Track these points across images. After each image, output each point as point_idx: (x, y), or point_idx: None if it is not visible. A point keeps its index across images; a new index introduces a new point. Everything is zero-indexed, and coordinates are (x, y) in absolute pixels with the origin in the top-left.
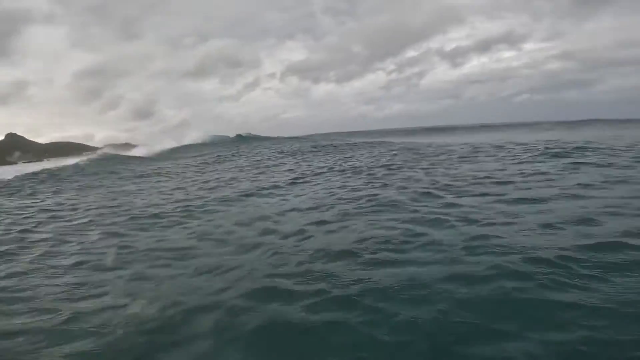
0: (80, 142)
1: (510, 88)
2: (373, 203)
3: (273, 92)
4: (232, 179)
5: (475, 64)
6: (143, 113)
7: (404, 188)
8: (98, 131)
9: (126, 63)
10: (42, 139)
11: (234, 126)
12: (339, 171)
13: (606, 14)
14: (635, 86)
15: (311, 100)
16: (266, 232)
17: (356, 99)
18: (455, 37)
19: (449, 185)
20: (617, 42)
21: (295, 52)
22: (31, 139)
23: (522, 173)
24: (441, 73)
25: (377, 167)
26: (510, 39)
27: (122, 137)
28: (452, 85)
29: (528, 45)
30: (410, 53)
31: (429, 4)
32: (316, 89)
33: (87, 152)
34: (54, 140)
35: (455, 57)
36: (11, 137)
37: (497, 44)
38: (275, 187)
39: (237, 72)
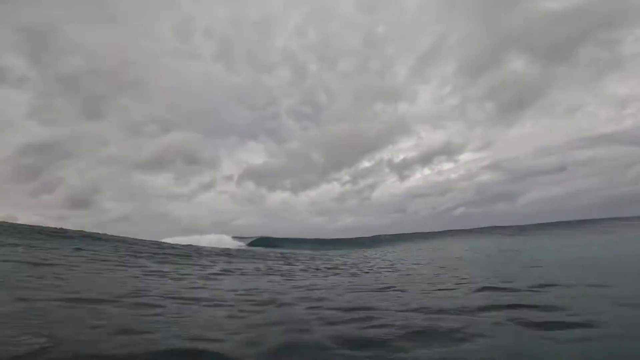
0: None
1: (449, 202)
2: None
3: (228, 196)
4: None
5: (419, 176)
6: (80, 201)
7: None
8: (23, 214)
9: (78, 143)
10: None
11: (180, 228)
12: None
13: (527, 119)
14: (553, 197)
15: (264, 208)
16: None
17: (310, 209)
18: (404, 148)
19: None
20: (536, 150)
21: (256, 154)
22: None
23: None
24: (390, 186)
25: None
26: (449, 150)
27: (48, 225)
28: (400, 199)
29: (464, 157)
30: (364, 164)
31: (385, 114)
32: (270, 197)
33: None
34: None
35: (403, 169)
36: None
37: (438, 155)
38: None
39: (194, 169)
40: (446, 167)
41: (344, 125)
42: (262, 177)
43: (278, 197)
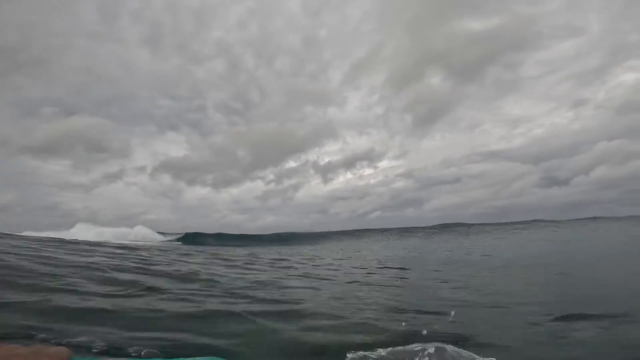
0: None
1: (367, 205)
2: None
3: (138, 189)
4: None
5: (341, 180)
6: None
7: None
8: None
9: None
10: None
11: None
12: None
13: (436, 132)
14: (451, 204)
15: (181, 203)
16: None
17: (231, 206)
18: (329, 151)
19: None
20: (440, 161)
21: (176, 145)
22: None
23: None
24: (314, 187)
25: None
26: (371, 156)
27: None
28: (322, 200)
29: (383, 163)
30: (290, 164)
31: (314, 117)
32: (189, 192)
33: None
34: None
35: (327, 172)
36: None
37: (361, 160)
38: None
39: (99, 158)
40: (367, 173)
41: (274, 124)
42: (181, 170)
43: (197, 192)
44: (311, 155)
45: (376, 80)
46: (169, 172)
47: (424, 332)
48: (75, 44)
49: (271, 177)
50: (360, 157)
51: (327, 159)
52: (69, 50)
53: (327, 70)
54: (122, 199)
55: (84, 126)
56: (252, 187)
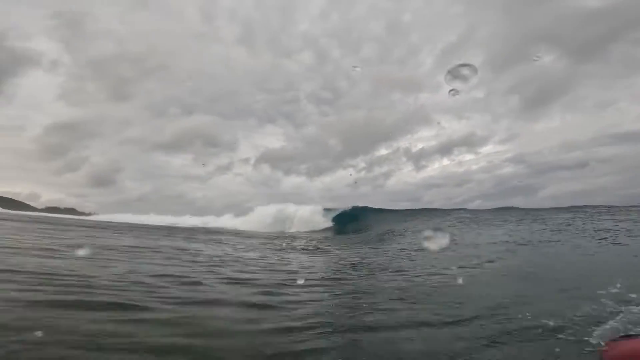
0: (22, 200)
1: (465, 194)
2: None
3: (243, 179)
4: None
5: (436, 166)
6: (102, 180)
7: None
8: (45, 192)
9: (104, 124)
10: None
11: (193, 209)
12: None
13: (553, 113)
14: (572, 191)
15: (278, 191)
16: None
17: (323, 194)
18: (423, 137)
19: None
20: (560, 145)
21: (274, 137)
22: None
23: None
24: (406, 175)
25: None
26: (471, 141)
27: (69, 202)
28: (414, 188)
29: (486, 149)
30: (381, 152)
31: (405, 103)
32: (286, 181)
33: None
34: None
35: (420, 158)
36: None
37: (459, 146)
38: None
39: (213, 152)
40: (467, 159)
41: (362, 113)
42: (279, 160)
43: (293, 181)
44: (403, 142)
45: (472, 63)
46: (268, 162)
47: None
48: (187, 45)
49: (362, 165)
50: (458, 143)
51: (420, 146)
52: (183, 52)
53: (417, 55)
54: (231, 188)
55: (201, 123)
56: (344, 175)
